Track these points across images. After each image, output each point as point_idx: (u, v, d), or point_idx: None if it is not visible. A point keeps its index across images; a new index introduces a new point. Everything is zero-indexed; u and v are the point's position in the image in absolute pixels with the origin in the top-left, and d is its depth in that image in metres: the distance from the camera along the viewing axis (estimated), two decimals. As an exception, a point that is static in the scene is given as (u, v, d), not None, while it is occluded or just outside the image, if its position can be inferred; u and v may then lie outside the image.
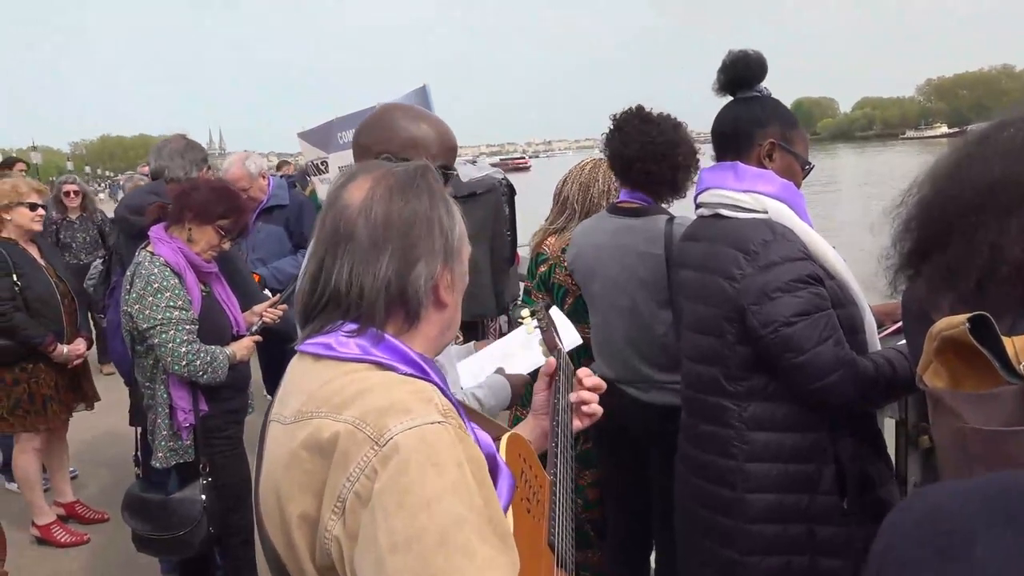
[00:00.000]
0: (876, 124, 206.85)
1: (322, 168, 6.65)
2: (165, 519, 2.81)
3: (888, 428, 2.28)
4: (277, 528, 1.05)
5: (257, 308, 3.27)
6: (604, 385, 1.48)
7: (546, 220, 3.09)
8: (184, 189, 2.99)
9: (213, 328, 2.90)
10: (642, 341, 2.56)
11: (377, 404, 1.00)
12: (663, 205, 2.65)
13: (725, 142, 2.07)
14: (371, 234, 1.09)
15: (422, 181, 1.15)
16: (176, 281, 2.80)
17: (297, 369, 1.14)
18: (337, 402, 1.02)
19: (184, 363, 2.75)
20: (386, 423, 0.98)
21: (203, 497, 2.81)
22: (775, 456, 1.93)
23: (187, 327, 2.78)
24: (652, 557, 2.92)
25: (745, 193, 1.96)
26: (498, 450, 1.15)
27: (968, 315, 1.32)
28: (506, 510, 1.07)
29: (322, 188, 6.76)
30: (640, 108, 2.60)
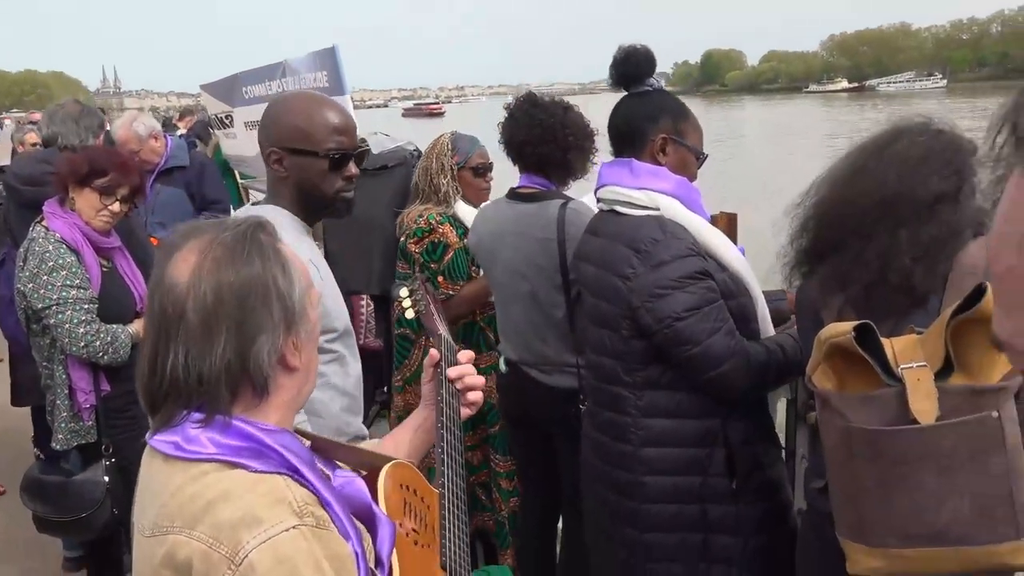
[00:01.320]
0: (781, 77, 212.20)
1: (226, 122, 6.43)
2: (65, 501, 2.75)
3: (780, 406, 2.43)
4: None
5: None
6: (472, 355, 1.50)
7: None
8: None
9: (115, 306, 2.80)
10: (543, 325, 2.63)
11: (228, 517, 0.97)
12: (562, 187, 2.70)
13: (620, 138, 2.13)
14: (202, 316, 1.02)
15: (252, 245, 1.07)
16: (73, 258, 2.69)
17: (150, 469, 1.09)
18: (189, 515, 0.99)
19: (82, 344, 2.66)
20: (239, 538, 0.95)
21: (106, 479, 2.76)
22: (669, 441, 2.04)
23: (85, 306, 2.68)
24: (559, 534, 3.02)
25: (639, 191, 2.02)
26: (378, 488, 1.16)
27: (854, 323, 1.44)
28: (389, 555, 1.09)
29: (226, 142, 6.57)
30: (530, 94, 2.69)
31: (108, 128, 4.34)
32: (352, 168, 1.83)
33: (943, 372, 1.37)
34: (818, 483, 1.59)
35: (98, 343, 2.68)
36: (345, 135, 1.82)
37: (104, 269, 2.80)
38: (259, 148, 4.61)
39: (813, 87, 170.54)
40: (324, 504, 1.04)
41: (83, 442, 2.79)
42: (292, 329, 1.09)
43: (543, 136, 2.56)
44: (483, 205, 2.88)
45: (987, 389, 1.33)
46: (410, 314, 1.56)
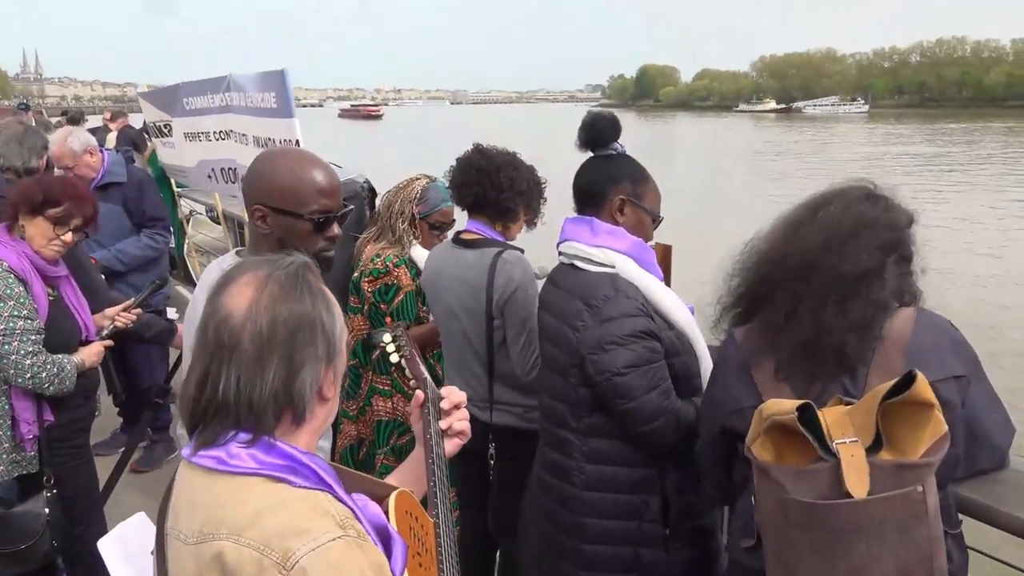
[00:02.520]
0: (713, 96, 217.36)
1: (165, 131, 6.34)
2: (4, 533, 2.71)
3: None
4: None
5: (109, 312, 3.15)
6: (463, 400, 1.55)
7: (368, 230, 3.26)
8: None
9: (61, 335, 2.79)
10: (477, 364, 2.74)
11: (278, 526, 1.04)
12: (506, 234, 2.79)
13: (583, 198, 2.26)
14: (257, 346, 1.11)
15: (303, 283, 1.18)
16: (21, 288, 2.66)
17: (190, 482, 1.15)
18: (237, 523, 1.06)
19: (29, 376, 2.64)
20: (290, 546, 1.02)
21: (46, 510, 2.73)
22: (609, 487, 2.17)
23: (32, 337, 2.65)
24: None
25: (597, 248, 2.15)
26: (387, 513, 1.24)
27: (796, 403, 1.53)
28: (401, 573, 1.17)
29: (164, 151, 6.48)
30: (478, 144, 2.81)
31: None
32: (335, 229, 1.86)
33: (872, 447, 1.48)
34: (747, 542, 1.70)
35: (44, 374, 2.66)
36: (330, 197, 1.83)
37: (50, 298, 2.78)
38: (204, 159, 4.55)
39: (743, 106, 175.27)
40: (358, 519, 1.13)
41: (23, 472, 2.75)
42: (331, 363, 1.19)
43: (478, 178, 2.69)
44: (435, 247, 2.95)
45: (913, 465, 1.45)
46: (395, 358, 1.62)
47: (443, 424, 1.51)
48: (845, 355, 1.62)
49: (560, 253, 2.29)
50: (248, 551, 1.03)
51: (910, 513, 1.44)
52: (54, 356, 2.71)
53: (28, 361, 2.62)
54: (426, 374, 1.57)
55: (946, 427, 1.45)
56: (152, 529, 2.24)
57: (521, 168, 2.74)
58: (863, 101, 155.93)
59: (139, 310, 3.21)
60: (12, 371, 2.63)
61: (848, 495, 1.44)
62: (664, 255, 3.14)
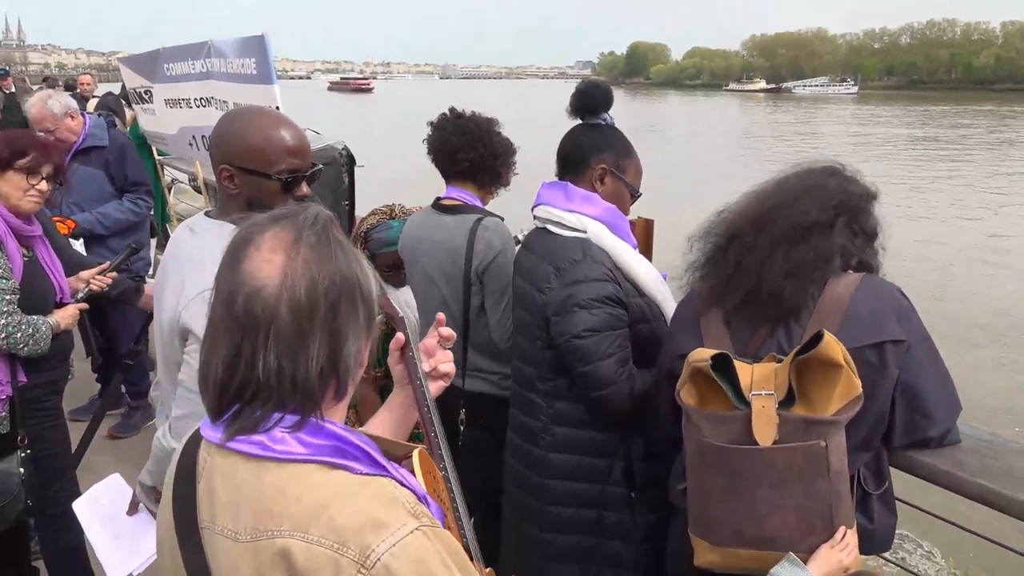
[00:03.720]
0: (704, 74, 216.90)
1: (145, 97, 6.28)
2: None
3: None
4: None
5: (84, 274, 3.12)
6: (452, 335, 1.52)
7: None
8: None
9: (36, 296, 2.74)
10: (453, 330, 2.72)
11: (349, 520, 0.95)
12: (486, 198, 2.80)
13: (564, 163, 2.26)
14: (297, 319, 0.99)
15: (335, 242, 1.05)
16: None
17: (229, 471, 1.03)
18: (300, 518, 0.96)
19: (3, 336, 2.59)
20: (367, 543, 0.93)
21: (21, 470, 2.72)
22: (574, 449, 2.19)
23: (7, 297, 2.61)
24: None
25: (570, 213, 2.17)
26: (415, 472, 1.16)
27: (713, 352, 1.63)
28: None
29: (144, 118, 6.42)
30: (452, 109, 2.80)
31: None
32: (304, 188, 1.83)
33: (787, 401, 1.58)
34: (681, 484, 1.78)
35: (19, 335, 2.63)
36: (299, 156, 1.80)
37: (25, 258, 2.76)
38: (184, 126, 4.46)
39: (733, 86, 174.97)
40: (421, 499, 1.04)
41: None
42: (370, 329, 1.08)
43: (471, 143, 2.67)
44: (414, 214, 2.94)
45: (820, 421, 1.54)
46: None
47: (426, 366, 1.43)
48: (781, 301, 1.69)
49: (534, 218, 2.30)
50: (319, 549, 0.94)
51: (812, 466, 1.53)
52: (29, 317, 2.67)
53: (2, 321, 2.60)
54: (402, 313, 1.50)
55: (859, 389, 1.53)
56: (127, 491, 2.25)
57: (502, 134, 2.75)
58: (852, 82, 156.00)
59: (114, 274, 3.19)
60: None
61: (755, 442, 1.55)
62: (646, 229, 3.15)
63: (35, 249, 2.83)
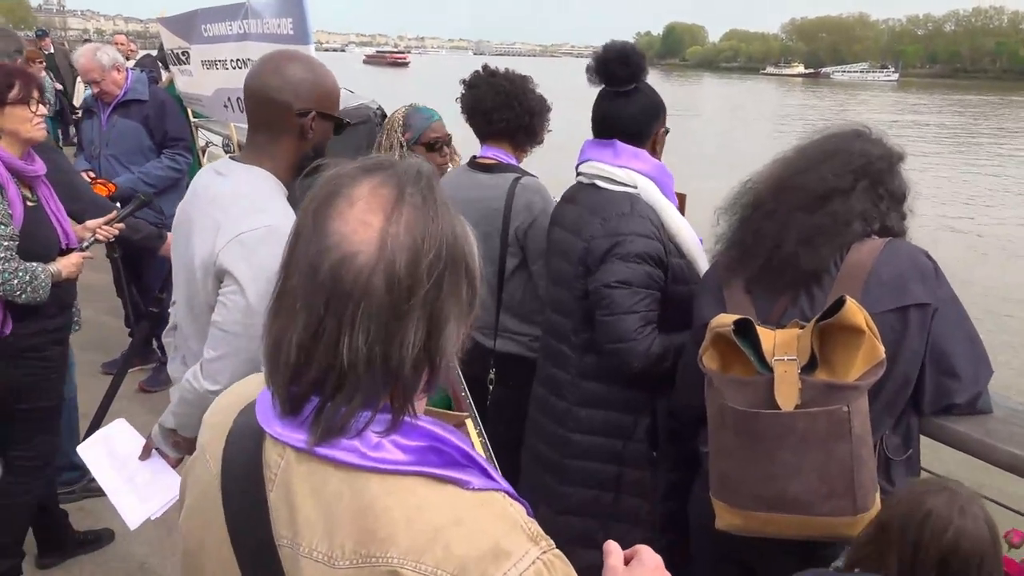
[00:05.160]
0: (741, 57, 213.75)
1: (183, 58, 6.29)
2: None
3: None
4: None
5: (91, 223, 3.07)
6: None
7: None
8: None
9: (38, 242, 2.65)
10: (484, 290, 2.72)
11: (468, 548, 0.82)
12: (521, 157, 2.79)
13: (628, 139, 2.21)
14: (395, 295, 0.83)
15: (440, 207, 0.89)
16: None
17: (317, 481, 0.87)
18: (412, 543, 0.83)
19: (0, 281, 2.51)
20: (488, 574, 0.82)
21: None
22: (600, 403, 2.20)
23: (5, 243, 2.51)
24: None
25: (620, 168, 2.16)
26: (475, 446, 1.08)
27: (736, 317, 1.63)
28: None
29: (181, 79, 6.43)
30: (486, 66, 2.77)
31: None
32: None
33: (809, 366, 1.58)
34: (706, 447, 1.79)
35: (16, 281, 2.54)
36: None
37: (30, 203, 2.68)
38: (221, 88, 4.38)
39: (770, 69, 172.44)
40: (528, 512, 0.92)
41: None
42: (472, 311, 0.92)
43: (508, 102, 2.65)
44: (449, 172, 2.93)
45: (842, 386, 1.54)
46: None
47: None
48: (797, 268, 1.68)
49: (579, 173, 2.30)
50: None
51: (834, 430, 1.53)
52: (27, 264, 2.58)
53: None
54: None
55: (882, 354, 1.52)
56: (135, 434, 2.21)
57: (535, 90, 2.72)
58: (893, 69, 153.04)
59: (121, 224, 3.15)
60: None
61: (776, 406, 1.56)
62: (679, 203, 3.13)
63: (38, 192, 2.75)
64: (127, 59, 9.43)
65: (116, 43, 10.58)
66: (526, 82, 2.71)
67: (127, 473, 2.12)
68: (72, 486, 3.42)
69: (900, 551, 1.37)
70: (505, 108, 2.65)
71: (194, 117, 7.05)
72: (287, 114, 1.77)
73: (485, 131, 2.74)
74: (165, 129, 4.59)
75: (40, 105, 2.68)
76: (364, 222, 0.84)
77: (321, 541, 0.86)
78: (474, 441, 1.11)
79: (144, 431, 2.14)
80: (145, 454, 2.09)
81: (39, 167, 2.73)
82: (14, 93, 2.61)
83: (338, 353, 0.83)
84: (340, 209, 0.85)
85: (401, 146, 3.03)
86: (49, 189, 2.80)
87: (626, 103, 2.22)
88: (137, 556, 3.22)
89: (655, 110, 2.23)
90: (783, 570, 1.75)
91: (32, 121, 2.67)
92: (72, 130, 10.15)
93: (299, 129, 1.78)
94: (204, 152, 7.96)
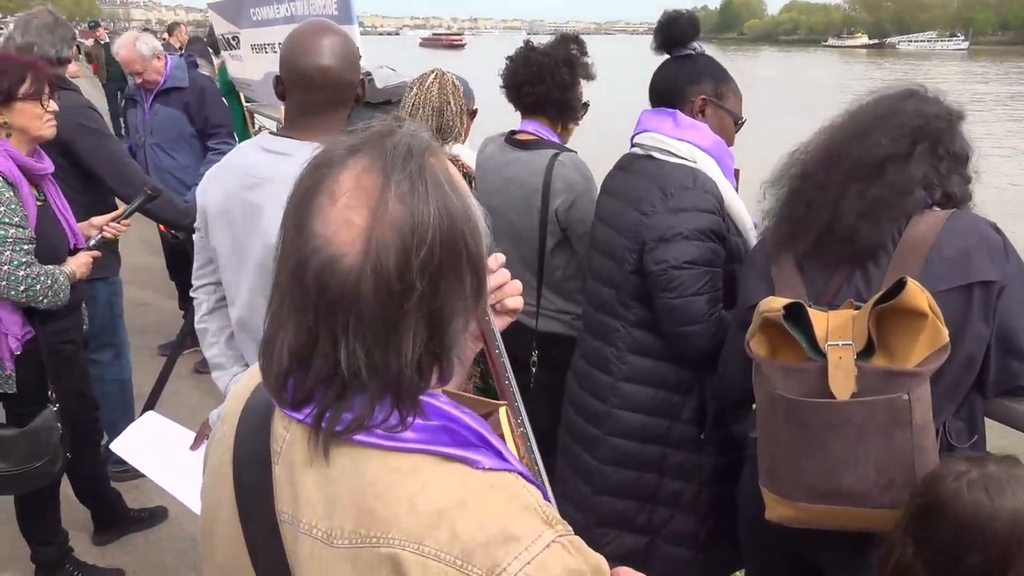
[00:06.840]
0: (801, 29, 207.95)
1: (233, 43, 6.35)
2: (23, 451, 2.52)
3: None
4: None
5: (96, 221, 2.96)
6: (502, 258, 1.27)
7: None
8: None
9: (50, 244, 2.56)
10: (523, 270, 2.67)
11: (475, 532, 0.78)
12: (563, 133, 2.72)
13: (660, 99, 2.17)
14: (385, 302, 0.77)
15: (434, 189, 0.80)
16: (11, 194, 2.42)
17: (318, 456, 0.84)
18: (414, 525, 0.78)
19: (23, 288, 2.41)
20: (497, 559, 0.77)
21: (59, 424, 2.59)
22: (648, 380, 2.12)
23: (25, 247, 2.42)
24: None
25: (679, 141, 2.07)
26: (505, 435, 1.04)
27: (786, 301, 1.53)
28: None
29: (232, 64, 6.50)
30: (528, 42, 2.74)
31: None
32: None
33: (866, 352, 1.46)
34: (754, 434, 1.71)
35: (39, 287, 2.44)
36: None
37: (39, 203, 2.58)
38: (270, 71, 4.42)
39: (832, 41, 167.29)
40: (546, 497, 0.88)
41: (2, 392, 2.55)
42: (480, 298, 0.86)
43: (540, 75, 2.58)
44: (484, 140, 2.89)
45: (902, 372, 1.42)
46: None
47: (492, 299, 1.19)
48: (855, 243, 1.57)
49: (635, 144, 2.22)
50: (439, 567, 0.77)
51: (893, 419, 1.43)
52: (46, 267, 2.49)
53: (22, 272, 2.40)
54: None
55: (946, 338, 1.41)
56: (169, 424, 2.20)
57: (578, 65, 2.64)
58: (963, 37, 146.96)
59: (128, 221, 3.07)
60: (4, 283, 2.39)
61: (831, 395, 1.45)
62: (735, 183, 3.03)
63: (45, 191, 2.66)
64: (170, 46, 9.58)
65: (161, 36, 10.70)
66: (565, 54, 2.62)
67: (173, 464, 2.12)
68: (125, 465, 3.48)
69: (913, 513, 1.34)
70: (537, 81, 2.59)
71: (246, 102, 7.13)
72: (350, 89, 1.86)
73: (518, 104, 2.70)
74: (206, 115, 4.59)
75: (51, 102, 2.61)
76: (347, 221, 0.78)
77: (321, 519, 0.82)
78: (506, 433, 1.03)
79: (198, 411, 2.13)
80: (197, 444, 2.07)
81: (47, 165, 2.66)
82: (25, 88, 2.52)
83: (334, 363, 0.79)
84: (322, 205, 0.79)
85: (463, 111, 2.97)
86: (55, 186, 2.72)
87: (669, 66, 2.16)
88: (190, 533, 3.28)
89: (693, 74, 2.13)
90: (834, 561, 1.67)
91: (43, 118, 2.59)
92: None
93: (355, 98, 1.90)
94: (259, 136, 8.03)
